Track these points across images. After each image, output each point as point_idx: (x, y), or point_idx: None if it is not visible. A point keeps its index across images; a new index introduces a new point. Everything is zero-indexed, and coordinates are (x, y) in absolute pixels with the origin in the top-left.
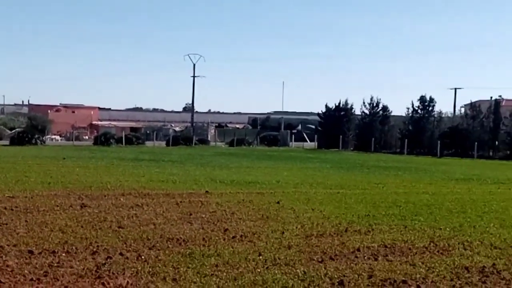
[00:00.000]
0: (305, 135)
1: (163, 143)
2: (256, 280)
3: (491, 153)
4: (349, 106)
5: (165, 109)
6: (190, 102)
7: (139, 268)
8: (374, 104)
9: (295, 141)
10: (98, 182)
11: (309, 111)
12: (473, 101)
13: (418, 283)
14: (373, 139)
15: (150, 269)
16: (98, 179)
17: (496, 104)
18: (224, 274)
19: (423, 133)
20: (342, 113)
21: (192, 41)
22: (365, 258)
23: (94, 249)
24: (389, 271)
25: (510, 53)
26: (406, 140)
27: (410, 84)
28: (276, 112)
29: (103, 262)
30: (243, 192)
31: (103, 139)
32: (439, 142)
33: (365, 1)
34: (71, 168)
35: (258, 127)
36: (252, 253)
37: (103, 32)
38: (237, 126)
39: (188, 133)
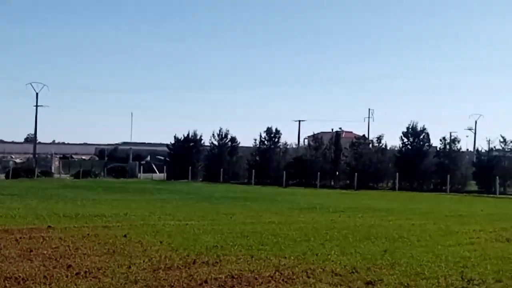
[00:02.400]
0: (154, 166)
1: (3, 176)
2: None
3: (332, 183)
4: (198, 137)
5: (4, 139)
6: (33, 132)
7: None
8: (223, 135)
9: (144, 172)
10: None
11: (158, 142)
12: (315, 133)
13: None
14: (222, 169)
15: None
16: None
17: (337, 136)
18: None
19: (270, 163)
20: (191, 144)
21: (35, 69)
22: None
23: None
24: None
25: (349, 87)
26: (254, 170)
27: (258, 116)
28: (124, 143)
29: None
30: (88, 226)
31: None
32: (284, 172)
33: (214, 33)
34: None
35: (106, 158)
36: None
37: None
38: (83, 157)
39: (30, 165)
